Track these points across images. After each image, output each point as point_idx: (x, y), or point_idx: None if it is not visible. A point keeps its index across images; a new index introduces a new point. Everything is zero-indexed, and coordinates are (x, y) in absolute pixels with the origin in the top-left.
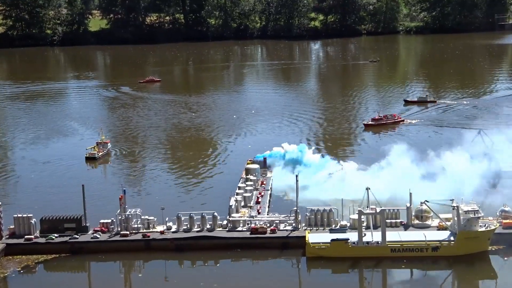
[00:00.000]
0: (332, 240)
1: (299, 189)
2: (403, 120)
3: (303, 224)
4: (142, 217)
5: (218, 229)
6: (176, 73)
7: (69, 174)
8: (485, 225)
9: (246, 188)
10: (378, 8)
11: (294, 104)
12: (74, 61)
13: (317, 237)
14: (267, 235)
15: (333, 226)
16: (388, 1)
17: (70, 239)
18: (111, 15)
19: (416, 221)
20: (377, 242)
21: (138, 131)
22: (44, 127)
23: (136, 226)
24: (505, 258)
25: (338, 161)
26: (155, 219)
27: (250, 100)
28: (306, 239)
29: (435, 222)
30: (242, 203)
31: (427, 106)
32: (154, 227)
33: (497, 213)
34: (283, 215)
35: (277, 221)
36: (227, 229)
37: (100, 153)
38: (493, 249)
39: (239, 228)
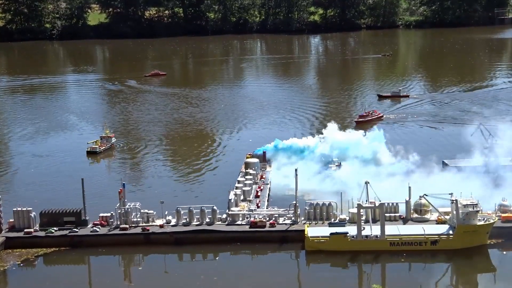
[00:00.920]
0: (331, 233)
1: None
2: (382, 116)
3: (302, 218)
4: (142, 210)
5: (218, 222)
6: (177, 67)
7: (69, 168)
8: (483, 219)
9: (246, 182)
10: (377, 2)
11: (291, 99)
12: (73, 55)
13: (316, 231)
14: (266, 228)
15: (332, 220)
16: None
17: (69, 232)
18: (110, 9)
19: (415, 215)
20: (376, 236)
21: (139, 125)
22: (45, 122)
23: (135, 219)
24: (504, 252)
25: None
26: (155, 212)
27: (249, 94)
28: (305, 232)
29: (434, 216)
30: (242, 197)
31: (400, 101)
32: (153, 221)
33: (496, 207)
34: (282, 209)
35: (276, 215)
36: (226, 222)
37: (102, 148)
38: (492, 242)
39: (239, 222)
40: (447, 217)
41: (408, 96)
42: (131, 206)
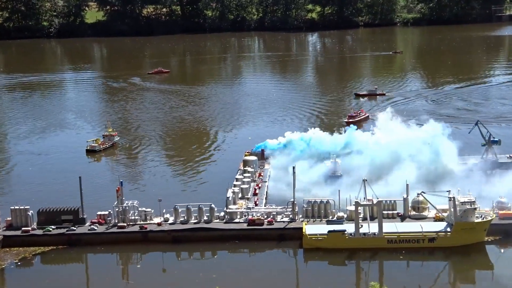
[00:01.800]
0: (329, 231)
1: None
2: (368, 116)
3: (300, 216)
4: (139, 208)
5: (216, 220)
6: (174, 65)
7: (68, 166)
8: (481, 216)
9: (244, 179)
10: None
11: (288, 98)
12: (71, 53)
13: (314, 229)
14: (264, 226)
15: (330, 217)
16: None
17: (67, 231)
18: (108, 7)
19: (413, 212)
20: (374, 234)
21: (138, 123)
22: (43, 120)
23: (133, 218)
24: (501, 249)
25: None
26: (152, 211)
27: (247, 92)
28: (303, 230)
29: (431, 213)
30: (240, 195)
31: (376, 99)
32: (151, 219)
33: (493, 204)
34: (280, 207)
35: (274, 213)
36: (224, 220)
37: (102, 146)
38: (490, 240)
39: (237, 220)
40: (445, 214)
41: (384, 94)
42: (129, 204)
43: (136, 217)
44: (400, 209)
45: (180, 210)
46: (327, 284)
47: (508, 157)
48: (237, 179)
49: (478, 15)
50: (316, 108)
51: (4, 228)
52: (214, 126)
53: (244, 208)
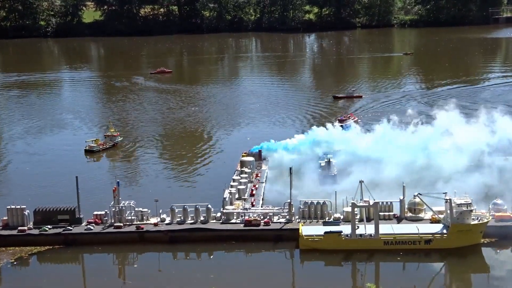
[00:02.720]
0: (326, 232)
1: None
2: (358, 120)
3: (297, 217)
4: (136, 209)
5: (212, 221)
6: (171, 65)
7: (65, 166)
8: (477, 218)
9: (241, 180)
10: (372, 1)
11: (284, 98)
12: (68, 53)
13: (311, 230)
14: (261, 227)
15: (327, 218)
16: None
17: (63, 230)
18: (105, 7)
19: (409, 214)
20: (370, 235)
21: (136, 123)
22: (41, 120)
23: (129, 218)
24: (497, 251)
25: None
26: (149, 211)
27: (245, 92)
28: (300, 231)
29: (428, 215)
30: (236, 196)
31: (353, 101)
32: (148, 219)
33: (490, 206)
34: (277, 208)
35: (271, 214)
36: (221, 221)
37: (102, 146)
38: (486, 241)
39: (233, 220)
40: (441, 216)
41: (361, 96)
42: (125, 204)
43: (133, 217)
44: (396, 211)
45: (176, 211)
46: (323, 285)
47: (505, 159)
48: (234, 180)
49: (475, 17)
50: (310, 109)
51: (0, 227)
52: (211, 127)
53: (241, 209)
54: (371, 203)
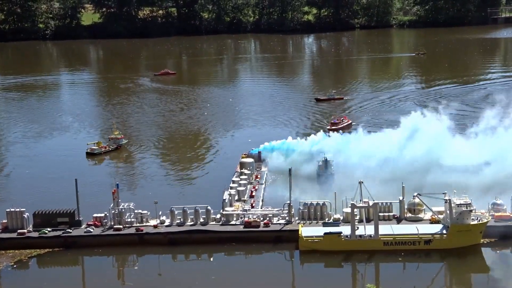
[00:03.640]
0: (325, 233)
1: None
2: (351, 123)
3: (296, 218)
4: (136, 211)
5: (212, 223)
6: (170, 67)
7: (66, 169)
8: (477, 218)
9: (240, 182)
10: (371, 2)
11: (283, 99)
12: (67, 55)
13: (310, 231)
14: (261, 228)
15: (326, 219)
16: None
17: (63, 233)
18: (104, 9)
19: (409, 214)
20: (370, 236)
21: (136, 125)
22: (41, 123)
23: (129, 220)
24: (497, 251)
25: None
26: (149, 213)
27: (245, 94)
28: (299, 232)
29: (427, 215)
30: (236, 197)
31: (334, 103)
32: (147, 221)
33: (489, 206)
34: (277, 209)
35: (271, 215)
36: (220, 223)
37: (104, 149)
38: (485, 242)
39: (233, 222)
40: (441, 216)
41: (342, 98)
42: (125, 207)
43: (132, 219)
44: (396, 211)
45: (176, 212)
46: (323, 286)
47: None
48: (233, 181)
49: (474, 17)
50: (310, 110)
51: (0, 230)
52: (210, 128)
53: (241, 210)
54: (370, 204)
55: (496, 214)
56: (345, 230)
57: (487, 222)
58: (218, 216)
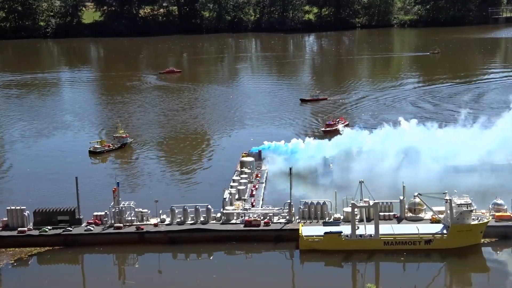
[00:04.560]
0: (325, 233)
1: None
2: (348, 124)
3: (297, 217)
4: (136, 209)
5: (212, 221)
6: (171, 66)
7: (68, 167)
8: (477, 218)
9: (241, 181)
10: (372, 1)
11: (283, 99)
12: (68, 53)
13: (311, 230)
14: (261, 227)
15: (327, 219)
16: None
17: (63, 231)
18: (105, 7)
19: (409, 214)
20: (370, 235)
21: (137, 124)
22: (43, 121)
23: (129, 218)
24: (497, 251)
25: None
26: (149, 211)
27: (248, 93)
28: (300, 232)
29: (428, 215)
30: (237, 196)
31: (319, 103)
32: (147, 220)
33: (490, 206)
34: (277, 208)
35: (271, 214)
36: (221, 221)
37: (107, 147)
38: (486, 242)
39: (233, 221)
40: (441, 216)
41: (326, 98)
42: (125, 205)
43: (133, 218)
44: (396, 211)
45: (176, 211)
46: (323, 286)
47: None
48: (234, 180)
49: (475, 17)
50: (305, 112)
51: (0, 228)
52: (211, 127)
53: (241, 209)
54: (371, 204)
55: (497, 214)
56: (346, 229)
57: (487, 222)
58: (219, 215)
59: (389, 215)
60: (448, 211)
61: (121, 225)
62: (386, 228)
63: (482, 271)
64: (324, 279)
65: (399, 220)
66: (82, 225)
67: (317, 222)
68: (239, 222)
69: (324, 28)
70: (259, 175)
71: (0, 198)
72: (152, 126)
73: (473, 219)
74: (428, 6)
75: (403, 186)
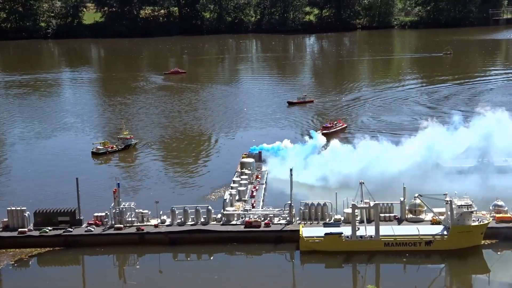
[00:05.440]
0: (326, 234)
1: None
2: (346, 126)
3: (297, 218)
4: (136, 210)
5: (212, 222)
6: (172, 66)
7: (69, 168)
8: (478, 220)
9: (241, 181)
10: (373, 2)
11: (282, 100)
12: (69, 54)
13: (311, 231)
14: (261, 228)
15: (327, 220)
16: None
17: (64, 232)
18: (106, 8)
19: (410, 215)
20: (371, 236)
21: (137, 125)
22: (45, 122)
23: (130, 219)
24: (498, 253)
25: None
26: (149, 212)
27: (243, 94)
28: (300, 233)
29: (428, 216)
30: (237, 197)
31: (305, 106)
32: (148, 221)
33: (490, 207)
34: (277, 209)
35: (271, 215)
36: (221, 222)
37: (110, 149)
38: (486, 243)
39: (234, 222)
40: (442, 217)
41: (312, 101)
42: (125, 206)
43: (133, 219)
44: (397, 212)
45: (177, 212)
46: (324, 287)
47: (504, 160)
48: (234, 181)
49: (475, 18)
50: (308, 113)
51: (0, 229)
52: (211, 129)
53: (241, 210)
54: (371, 205)
55: (497, 215)
56: (346, 230)
57: (488, 223)
58: (219, 216)
59: (389, 216)
60: (449, 213)
61: (122, 226)
62: (387, 229)
63: (483, 272)
64: (325, 280)
65: (399, 221)
66: (83, 226)
67: (317, 223)
68: (239, 223)
69: (325, 29)
70: (259, 176)
71: (1, 199)
72: (154, 127)
73: (473, 220)
74: (428, 8)
75: (404, 188)
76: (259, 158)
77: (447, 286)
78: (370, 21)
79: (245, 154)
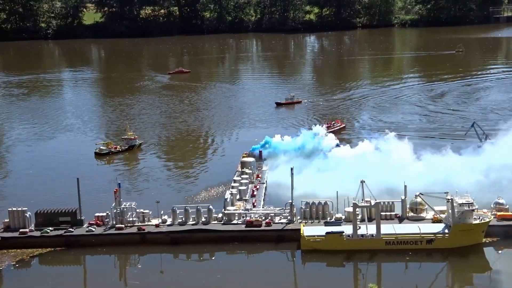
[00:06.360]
0: (327, 233)
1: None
2: (344, 127)
3: (298, 217)
4: (137, 210)
5: (213, 222)
6: (172, 66)
7: (71, 169)
8: (479, 218)
9: (242, 181)
10: (373, 1)
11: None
12: (69, 55)
13: (312, 230)
14: (262, 228)
15: (328, 219)
16: None
17: (65, 232)
18: (106, 8)
19: (411, 214)
20: (372, 235)
21: (138, 124)
22: (47, 122)
23: (131, 219)
24: (499, 251)
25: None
26: (150, 212)
27: (243, 93)
28: (301, 232)
29: (429, 215)
30: (238, 196)
31: (294, 107)
32: (149, 220)
33: (491, 206)
34: (278, 208)
35: (272, 214)
36: (222, 222)
37: (113, 149)
38: (487, 241)
39: (234, 221)
40: (443, 215)
41: (300, 102)
42: (126, 206)
43: (134, 219)
44: (398, 211)
45: (178, 212)
46: (325, 286)
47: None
48: (235, 181)
49: (476, 16)
50: (310, 113)
51: (2, 229)
52: (211, 128)
53: (242, 210)
54: (372, 203)
55: (499, 213)
56: (347, 229)
57: (489, 221)
58: (220, 215)
59: (390, 215)
60: (450, 211)
61: (123, 226)
62: (388, 228)
63: (484, 270)
64: (326, 279)
65: (400, 220)
66: (84, 226)
67: (318, 222)
68: (240, 222)
69: (325, 28)
70: (259, 176)
71: (2, 200)
72: (157, 127)
73: (474, 218)
74: (429, 6)
75: (405, 186)
76: (259, 157)
77: (449, 285)
78: (370, 19)
79: (245, 154)
